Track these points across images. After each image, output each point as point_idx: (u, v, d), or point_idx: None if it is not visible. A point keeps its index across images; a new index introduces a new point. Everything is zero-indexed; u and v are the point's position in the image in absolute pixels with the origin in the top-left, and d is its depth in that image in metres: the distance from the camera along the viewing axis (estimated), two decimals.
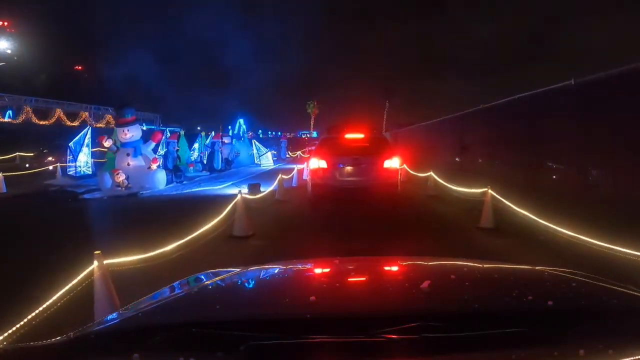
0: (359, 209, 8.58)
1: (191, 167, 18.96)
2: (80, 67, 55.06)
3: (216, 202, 7.10)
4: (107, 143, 14.89)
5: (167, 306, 1.40)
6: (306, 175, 14.80)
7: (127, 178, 13.38)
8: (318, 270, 1.87)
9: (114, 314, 1.35)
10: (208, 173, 20.42)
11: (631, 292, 1.34)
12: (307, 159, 13.73)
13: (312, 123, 61.96)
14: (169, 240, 4.19)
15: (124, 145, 14.59)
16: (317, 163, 9.43)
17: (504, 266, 1.92)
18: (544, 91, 8.17)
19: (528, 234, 5.88)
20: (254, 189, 11.78)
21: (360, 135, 9.86)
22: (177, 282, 1.67)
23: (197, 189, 13.48)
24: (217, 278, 1.71)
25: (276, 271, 1.86)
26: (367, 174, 9.17)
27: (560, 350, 0.99)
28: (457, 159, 14.10)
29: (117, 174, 13.55)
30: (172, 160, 22.65)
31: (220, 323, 1.12)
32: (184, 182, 15.32)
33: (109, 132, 15.82)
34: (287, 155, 39.42)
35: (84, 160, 17.93)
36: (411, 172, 15.12)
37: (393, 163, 9.31)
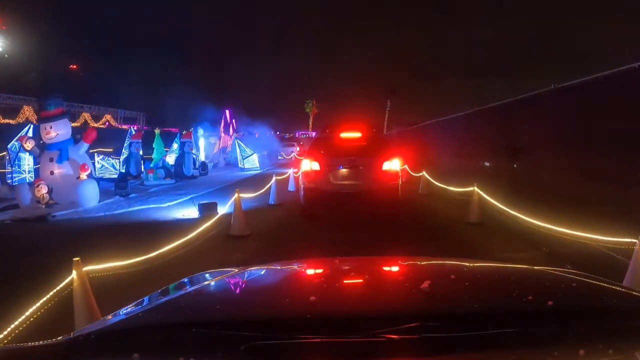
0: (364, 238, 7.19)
1: (150, 174, 14.72)
2: (74, 66, 51.95)
3: (146, 232, 5.54)
4: (29, 144, 12.43)
5: (167, 306, 1.44)
6: (292, 187, 13.09)
7: (51, 191, 11.18)
8: (318, 270, 1.90)
9: (114, 314, 1.37)
10: (173, 181, 17.98)
11: (631, 292, 1.41)
12: (300, 162, 13.14)
13: (310, 123, 58.32)
14: None
15: (49, 147, 12.11)
16: (310, 165, 9.18)
17: (504, 266, 1.96)
18: None
19: None
20: (207, 211, 8.93)
21: (357, 135, 9.78)
22: (177, 282, 1.71)
23: (137, 207, 11.13)
24: (217, 278, 1.75)
25: (276, 271, 1.89)
26: (365, 177, 8.88)
27: (560, 350, 1.04)
28: (487, 164, 9.70)
29: (38, 186, 11.13)
30: (136, 164, 18.25)
31: (220, 323, 1.17)
32: (130, 196, 13.05)
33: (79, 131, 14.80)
34: (280, 157, 37.49)
35: (27, 165, 15.51)
36: (435, 182, 12.36)
37: (393, 165, 9.06)
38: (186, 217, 9.27)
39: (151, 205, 11.17)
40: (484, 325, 1.10)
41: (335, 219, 8.84)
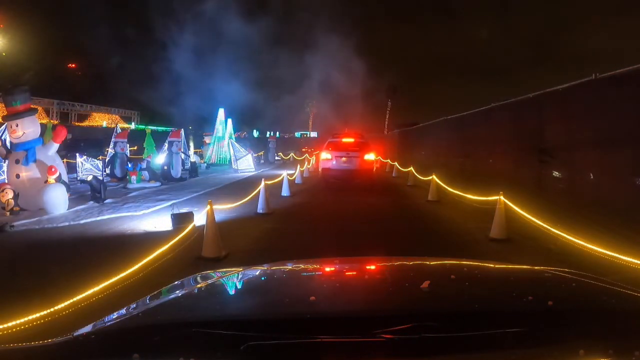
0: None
1: (133, 177, 13.56)
2: (74, 65, 51.39)
3: (96, 251, 4.80)
4: None
5: (167, 306, 1.44)
6: (286, 192, 13.67)
7: (17, 197, 10.22)
8: (318, 271, 1.90)
9: (114, 314, 1.38)
10: (158, 184, 16.83)
11: (631, 292, 1.41)
12: (302, 161, 22.12)
13: (310, 123, 57.33)
14: None
15: (16, 147, 11.05)
16: (325, 155, 16.58)
17: (504, 266, 1.94)
18: None
19: None
20: (181, 222, 7.51)
21: (352, 139, 17.07)
22: (176, 282, 1.71)
23: (107, 216, 9.85)
24: (217, 278, 1.76)
25: (276, 271, 1.87)
26: (354, 163, 15.90)
27: (560, 350, 1.04)
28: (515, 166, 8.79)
29: (3, 191, 10.21)
30: (121, 165, 16.97)
31: (220, 323, 1.17)
32: (106, 201, 11.82)
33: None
34: (277, 158, 37.41)
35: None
36: (446, 187, 11.28)
37: (370, 156, 16.33)
38: (158, 229, 8.25)
39: (124, 214, 10.07)
40: (484, 325, 1.11)
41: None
